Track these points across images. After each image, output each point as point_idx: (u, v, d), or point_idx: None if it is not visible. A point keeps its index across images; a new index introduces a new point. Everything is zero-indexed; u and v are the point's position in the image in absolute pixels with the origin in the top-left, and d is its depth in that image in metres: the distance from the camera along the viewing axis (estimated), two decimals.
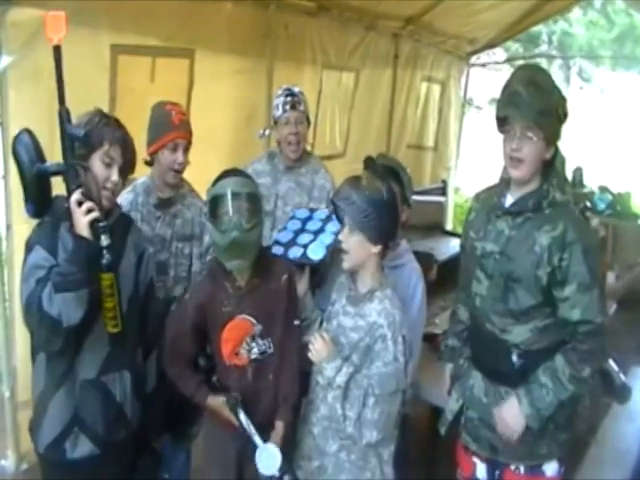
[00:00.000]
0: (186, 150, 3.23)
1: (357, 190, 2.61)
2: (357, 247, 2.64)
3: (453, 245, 6.99)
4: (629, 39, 18.33)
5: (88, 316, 2.36)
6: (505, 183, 2.70)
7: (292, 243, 3.13)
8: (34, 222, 2.51)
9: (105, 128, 2.53)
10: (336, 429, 2.72)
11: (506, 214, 2.65)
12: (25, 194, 2.38)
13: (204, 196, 3.35)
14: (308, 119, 3.73)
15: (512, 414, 2.66)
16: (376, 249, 2.68)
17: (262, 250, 2.86)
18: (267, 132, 4.07)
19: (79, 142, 2.40)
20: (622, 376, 3.31)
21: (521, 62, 15.85)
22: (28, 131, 2.42)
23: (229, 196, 2.67)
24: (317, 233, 3.14)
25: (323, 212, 3.30)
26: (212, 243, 2.89)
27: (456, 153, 9.73)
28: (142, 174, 3.41)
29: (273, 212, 3.65)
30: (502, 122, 2.55)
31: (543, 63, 14.85)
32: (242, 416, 2.73)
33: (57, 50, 2.31)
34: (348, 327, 2.74)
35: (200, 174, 3.41)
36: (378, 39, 6.91)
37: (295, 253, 3.06)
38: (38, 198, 2.40)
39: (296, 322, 2.90)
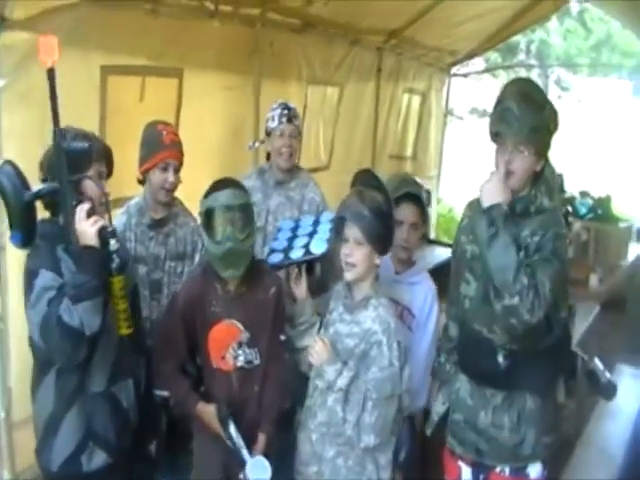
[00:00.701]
0: (177, 170, 3.30)
1: (366, 205, 2.72)
2: (365, 260, 2.74)
3: (438, 254, 7.07)
4: (606, 47, 18.58)
5: (103, 312, 2.44)
6: None
7: (289, 248, 3.20)
8: None
9: (91, 142, 2.63)
10: (334, 433, 2.79)
11: None
12: (11, 224, 2.41)
13: (195, 212, 3.45)
14: (300, 134, 3.82)
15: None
16: (379, 260, 2.79)
17: (253, 259, 2.97)
18: (257, 144, 4.15)
19: (83, 155, 2.51)
20: (607, 374, 3.41)
21: (500, 71, 16.09)
22: (10, 162, 2.46)
23: (222, 209, 2.79)
24: (311, 234, 3.21)
25: (309, 218, 3.38)
26: (205, 252, 2.96)
27: (438, 163, 9.85)
28: (135, 191, 3.49)
29: (264, 228, 3.75)
30: (495, 136, 2.66)
31: (522, 72, 14.99)
32: (232, 428, 2.79)
33: (51, 73, 2.39)
34: (344, 334, 2.82)
35: (190, 190, 3.50)
36: (362, 53, 7.02)
37: (297, 253, 3.12)
38: (27, 226, 2.43)
39: (282, 337, 2.99)
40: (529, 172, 2.67)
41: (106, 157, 2.71)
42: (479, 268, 2.76)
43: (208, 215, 2.83)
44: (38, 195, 2.42)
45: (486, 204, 2.60)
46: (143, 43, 4.22)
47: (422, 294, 3.27)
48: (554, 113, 2.67)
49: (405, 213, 3.25)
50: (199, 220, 2.92)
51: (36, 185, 2.49)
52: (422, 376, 3.21)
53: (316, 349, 2.75)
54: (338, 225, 2.84)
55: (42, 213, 2.57)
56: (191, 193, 3.53)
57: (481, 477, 2.92)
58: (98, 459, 2.61)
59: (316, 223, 3.27)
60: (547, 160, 2.74)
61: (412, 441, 3.10)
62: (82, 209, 2.41)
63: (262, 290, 2.97)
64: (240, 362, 2.94)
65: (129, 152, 3.41)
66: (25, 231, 2.42)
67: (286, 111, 3.79)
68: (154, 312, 3.36)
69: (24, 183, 2.41)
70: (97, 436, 2.60)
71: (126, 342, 2.59)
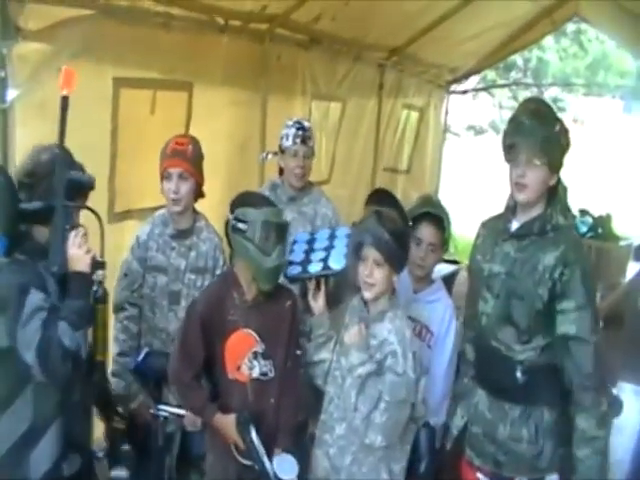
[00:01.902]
0: (185, 178, 3.28)
1: (386, 227, 2.75)
2: (384, 280, 2.78)
3: (438, 269, 7.09)
4: (601, 67, 18.72)
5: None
6: (511, 210, 2.85)
7: (307, 261, 3.21)
8: None
9: (77, 163, 2.65)
10: (349, 429, 2.82)
11: (512, 237, 2.81)
12: None
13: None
14: (314, 154, 3.85)
15: None
16: (397, 278, 2.82)
17: None
18: (269, 156, 4.15)
19: (84, 186, 2.59)
20: (614, 390, 3.44)
21: (498, 90, 16.19)
22: (4, 172, 2.51)
23: (278, 226, 2.90)
24: (328, 249, 3.23)
25: (325, 232, 3.39)
26: (247, 260, 2.92)
27: (436, 179, 9.92)
28: (143, 203, 3.51)
29: None
30: (509, 150, 2.72)
31: (518, 91, 15.11)
32: (254, 435, 2.78)
33: (65, 100, 2.48)
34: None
35: (198, 203, 3.52)
36: (364, 70, 7.10)
37: (315, 267, 3.12)
38: (15, 235, 2.45)
39: (298, 352, 3.00)
40: (542, 186, 2.72)
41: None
42: (496, 286, 2.81)
43: (261, 226, 2.85)
44: (33, 209, 2.45)
45: None
46: (155, 57, 4.27)
47: (440, 312, 3.29)
48: (565, 130, 2.74)
49: (424, 232, 3.26)
50: (243, 227, 2.87)
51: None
52: (441, 392, 3.22)
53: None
54: (356, 245, 2.85)
55: None
56: (199, 205, 3.56)
57: None
58: (76, 463, 2.65)
59: (332, 237, 3.28)
60: (560, 178, 2.80)
61: (432, 455, 3.11)
62: (78, 235, 2.48)
63: (278, 302, 2.99)
64: (255, 373, 2.93)
65: (139, 164, 3.43)
66: (9, 240, 2.43)
67: (301, 132, 3.80)
68: (171, 323, 3.36)
69: (16, 194, 2.46)
70: (76, 444, 2.64)
71: None
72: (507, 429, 2.84)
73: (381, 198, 3.00)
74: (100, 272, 2.51)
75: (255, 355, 2.93)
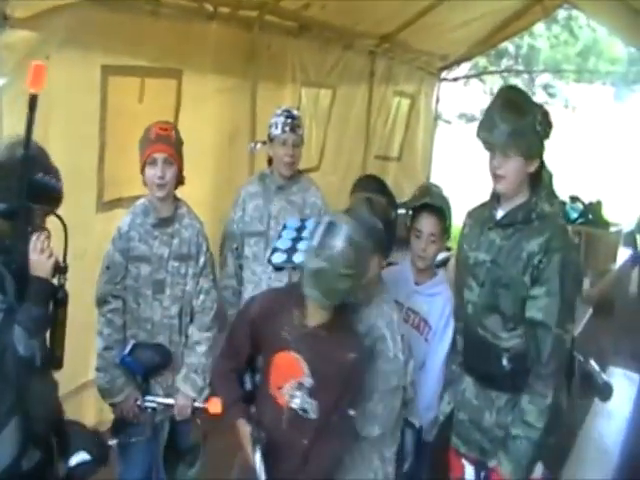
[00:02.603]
0: (170, 164, 3.25)
1: (377, 215, 2.75)
2: (373, 266, 2.76)
3: None
4: (592, 53, 18.75)
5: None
6: (496, 198, 2.85)
7: (293, 249, 3.21)
8: None
9: (52, 166, 2.58)
10: None
11: (497, 226, 2.80)
12: None
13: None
14: (303, 142, 3.84)
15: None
16: (384, 264, 2.82)
17: (347, 311, 2.74)
18: (258, 146, 4.14)
19: (52, 192, 2.49)
20: (603, 375, 3.46)
21: (490, 77, 16.22)
22: None
23: (344, 233, 2.49)
24: None
25: (314, 220, 3.39)
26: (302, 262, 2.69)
27: (427, 166, 9.93)
28: (132, 192, 3.50)
29: (266, 232, 3.76)
30: (483, 143, 2.73)
31: (510, 78, 15.11)
32: (257, 456, 2.56)
33: (33, 99, 2.30)
34: None
35: (186, 190, 3.49)
36: (355, 57, 7.10)
37: (300, 258, 3.12)
38: None
39: (351, 412, 2.67)
40: (520, 175, 2.71)
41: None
42: (481, 274, 2.82)
43: (328, 228, 2.52)
44: None
45: None
46: (143, 44, 4.24)
47: (440, 305, 3.25)
48: (542, 116, 2.70)
49: (424, 224, 3.23)
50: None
51: None
52: (437, 386, 3.20)
53: None
54: None
55: None
56: (188, 193, 3.55)
57: (482, 474, 2.95)
58: (35, 457, 2.58)
59: None
60: (544, 165, 2.80)
61: (417, 453, 3.12)
62: (40, 239, 2.41)
63: (341, 347, 2.64)
64: (295, 404, 2.65)
65: (128, 152, 3.42)
66: None
67: (290, 120, 3.78)
68: (156, 313, 3.32)
69: None
70: (36, 438, 2.57)
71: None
72: (493, 416, 2.85)
73: (369, 184, 2.99)
74: (62, 277, 2.46)
75: (300, 386, 2.64)
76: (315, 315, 2.61)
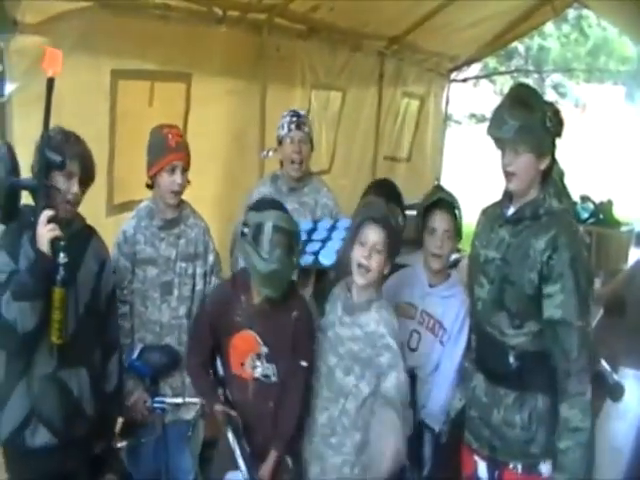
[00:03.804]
0: (184, 171, 3.30)
1: (389, 214, 2.81)
2: (380, 266, 2.81)
3: None
4: (602, 52, 18.68)
5: (44, 318, 2.55)
6: (508, 196, 2.86)
7: (302, 252, 3.22)
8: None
9: (65, 145, 2.72)
10: (339, 442, 2.87)
11: (507, 223, 2.81)
12: None
13: (203, 215, 3.48)
14: (311, 141, 3.85)
15: None
16: (387, 268, 2.83)
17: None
18: (270, 153, 4.16)
19: (56, 167, 2.62)
20: (615, 375, 3.44)
21: (500, 77, 16.19)
22: (8, 146, 2.65)
23: (276, 229, 2.83)
24: (325, 241, 3.25)
25: (327, 222, 3.40)
26: (246, 263, 2.98)
27: (438, 167, 9.91)
28: (144, 195, 3.51)
29: None
30: (494, 140, 2.74)
31: (520, 78, 15.08)
32: (230, 434, 2.85)
33: (50, 81, 2.54)
34: (346, 337, 2.87)
35: (195, 194, 3.53)
36: (364, 59, 7.10)
37: (307, 260, 3.16)
38: (7, 207, 2.57)
39: (303, 363, 2.97)
40: (531, 172, 2.72)
41: (81, 159, 2.79)
42: (491, 271, 2.82)
43: (259, 229, 2.84)
44: (18, 185, 2.58)
45: None
46: (153, 48, 4.26)
47: (455, 308, 3.26)
48: (551, 112, 2.71)
49: (438, 220, 3.23)
50: (246, 231, 2.91)
51: None
52: (450, 392, 3.22)
53: None
54: (358, 227, 2.86)
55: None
56: (197, 196, 3.58)
57: (496, 473, 2.95)
58: (42, 437, 2.70)
59: (332, 229, 3.29)
60: (555, 162, 2.80)
61: (436, 457, 3.13)
62: (45, 214, 2.54)
63: (284, 311, 2.98)
64: (257, 373, 2.98)
65: (138, 156, 3.43)
66: (4, 210, 2.58)
67: (295, 118, 3.83)
68: (164, 315, 3.35)
69: (14, 168, 2.58)
70: (41, 415, 2.68)
71: (86, 332, 2.77)
72: (501, 414, 2.85)
73: (382, 189, 3.01)
74: (62, 255, 2.54)
75: (258, 356, 2.96)
76: (259, 293, 2.95)
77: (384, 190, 3.04)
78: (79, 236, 2.84)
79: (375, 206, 2.83)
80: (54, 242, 2.53)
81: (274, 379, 2.97)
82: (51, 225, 2.53)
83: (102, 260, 2.94)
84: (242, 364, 2.98)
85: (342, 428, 2.86)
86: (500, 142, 2.71)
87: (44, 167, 2.59)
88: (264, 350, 2.95)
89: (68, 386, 2.74)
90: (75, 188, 2.72)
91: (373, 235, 2.79)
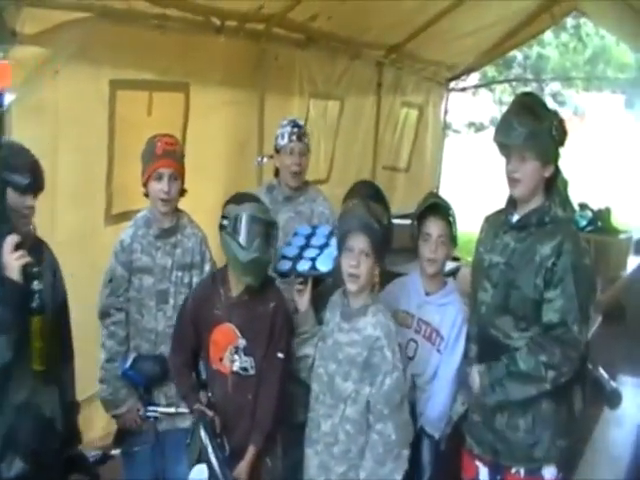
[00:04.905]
0: (174, 179, 3.29)
1: (373, 217, 2.79)
2: (369, 270, 2.82)
3: None
4: (601, 60, 18.70)
5: (18, 346, 2.43)
6: (512, 203, 2.89)
7: (299, 257, 3.24)
8: None
9: (14, 158, 2.56)
10: (344, 450, 2.87)
11: (512, 229, 2.85)
12: None
13: (201, 225, 3.49)
14: (309, 152, 3.86)
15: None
16: (377, 270, 2.85)
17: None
18: (265, 160, 4.18)
19: (20, 190, 2.50)
20: (612, 383, 3.45)
21: (497, 85, 16.21)
22: None
23: (255, 219, 2.96)
24: (322, 248, 3.24)
25: (325, 228, 3.40)
26: (227, 254, 3.05)
27: (436, 177, 9.92)
28: (143, 204, 3.53)
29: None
30: (500, 147, 2.77)
31: (518, 86, 15.09)
32: (202, 432, 2.90)
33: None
34: (344, 343, 2.87)
35: (195, 203, 3.55)
36: (362, 68, 7.12)
37: (303, 266, 3.17)
38: None
39: (280, 354, 3.03)
40: (535, 178, 2.76)
41: (31, 170, 2.61)
42: (495, 276, 2.86)
43: (238, 221, 2.95)
44: None
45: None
46: (151, 58, 4.29)
47: (452, 315, 3.25)
48: (557, 121, 2.77)
49: (432, 226, 3.23)
50: (226, 223, 2.99)
51: None
52: (448, 400, 3.22)
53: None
54: (343, 235, 2.88)
55: None
56: (196, 206, 3.59)
57: (498, 478, 2.97)
58: (18, 466, 2.59)
59: (330, 236, 3.29)
60: (559, 171, 2.84)
61: (435, 465, 3.14)
62: (9, 241, 2.42)
63: (261, 302, 3.07)
64: (235, 367, 3.04)
65: (136, 165, 3.45)
66: None
67: (296, 129, 3.81)
68: (160, 323, 3.36)
69: None
70: (17, 446, 2.58)
71: (52, 348, 2.62)
72: (505, 418, 2.88)
73: (363, 189, 3.03)
74: (35, 282, 2.45)
75: (236, 349, 3.03)
76: (238, 286, 3.05)
77: (366, 191, 3.04)
78: (35, 250, 2.67)
79: (357, 212, 2.84)
80: (26, 269, 2.43)
81: (252, 372, 3.03)
82: (19, 252, 2.43)
83: (54, 270, 2.81)
84: (221, 359, 3.05)
85: (345, 435, 2.85)
86: (506, 149, 2.76)
87: (2, 190, 2.45)
88: (242, 343, 3.02)
89: (42, 410, 2.65)
90: (29, 201, 2.58)
91: (358, 243, 2.80)
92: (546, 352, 2.71)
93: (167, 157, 3.30)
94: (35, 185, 2.60)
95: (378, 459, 2.78)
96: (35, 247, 2.68)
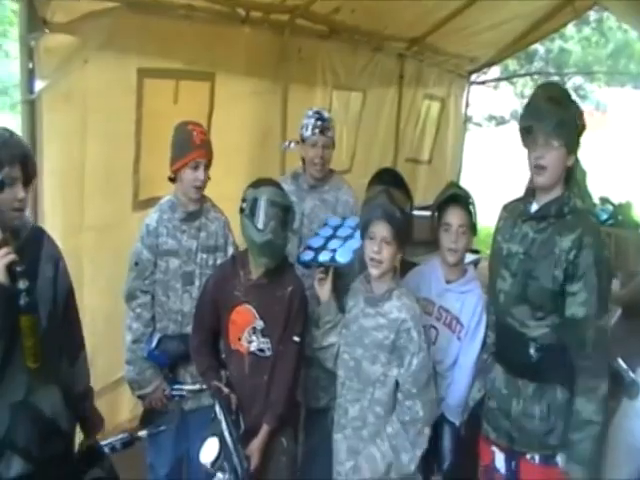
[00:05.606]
0: (207, 168, 3.38)
1: (395, 204, 2.82)
2: (392, 257, 2.85)
3: None
4: (623, 55, 18.56)
5: (9, 346, 2.40)
6: (531, 192, 2.91)
7: (322, 248, 3.28)
8: None
9: (2, 150, 2.42)
10: (373, 431, 2.91)
11: (531, 219, 2.86)
12: None
13: (226, 211, 3.54)
14: (334, 144, 3.88)
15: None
16: (399, 256, 2.89)
17: (283, 258, 3.17)
18: (292, 145, 4.18)
19: (8, 183, 2.39)
20: (631, 374, 3.47)
21: (520, 79, 16.14)
22: None
23: (270, 202, 3.00)
24: (346, 239, 3.27)
25: (354, 220, 3.43)
26: (244, 237, 3.11)
27: (457, 169, 9.94)
28: (168, 191, 3.59)
29: (299, 230, 3.74)
30: (526, 133, 2.78)
31: (540, 80, 15.01)
32: (217, 408, 2.95)
33: None
34: (370, 327, 2.91)
35: (219, 191, 3.62)
36: (384, 60, 7.17)
37: (324, 257, 3.20)
38: None
39: (296, 338, 3.09)
40: (560, 166, 2.78)
41: (22, 161, 2.46)
42: (514, 265, 2.88)
43: (255, 203, 3.01)
44: None
45: None
46: (178, 47, 4.35)
47: (472, 304, 3.28)
48: (579, 111, 2.80)
49: (452, 216, 3.27)
50: (244, 206, 3.05)
51: None
52: (468, 386, 3.25)
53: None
54: (366, 222, 2.91)
55: None
56: (220, 194, 3.64)
57: (513, 464, 3.00)
58: (17, 466, 2.52)
59: (356, 227, 3.32)
60: (578, 161, 2.87)
61: (456, 451, 3.18)
62: None
63: (280, 286, 3.12)
64: (253, 347, 3.11)
65: (163, 153, 3.51)
66: None
67: (320, 122, 3.80)
68: (186, 304, 3.43)
69: None
70: (15, 445, 2.52)
71: (52, 345, 2.55)
72: (520, 405, 2.90)
73: (385, 177, 3.07)
74: (21, 281, 2.33)
75: (254, 330, 3.09)
76: (257, 269, 3.12)
77: (389, 178, 3.08)
78: (31, 242, 2.58)
79: (379, 200, 2.87)
80: (11, 268, 2.33)
81: (268, 353, 3.09)
82: (3, 250, 2.32)
83: (55, 261, 2.68)
84: (239, 339, 3.11)
85: (375, 417, 2.89)
86: (533, 135, 2.75)
87: None
88: (260, 324, 3.08)
89: (40, 409, 2.58)
90: (21, 193, 2.44)
91: (380, 230, 2.83)
92: (589, 385, 2.72)
93: (204, 147, 3.39)
94: (24, 177, 2.46)
95: (404, 423, 2.83)
96: (31, 239, 2.59)
